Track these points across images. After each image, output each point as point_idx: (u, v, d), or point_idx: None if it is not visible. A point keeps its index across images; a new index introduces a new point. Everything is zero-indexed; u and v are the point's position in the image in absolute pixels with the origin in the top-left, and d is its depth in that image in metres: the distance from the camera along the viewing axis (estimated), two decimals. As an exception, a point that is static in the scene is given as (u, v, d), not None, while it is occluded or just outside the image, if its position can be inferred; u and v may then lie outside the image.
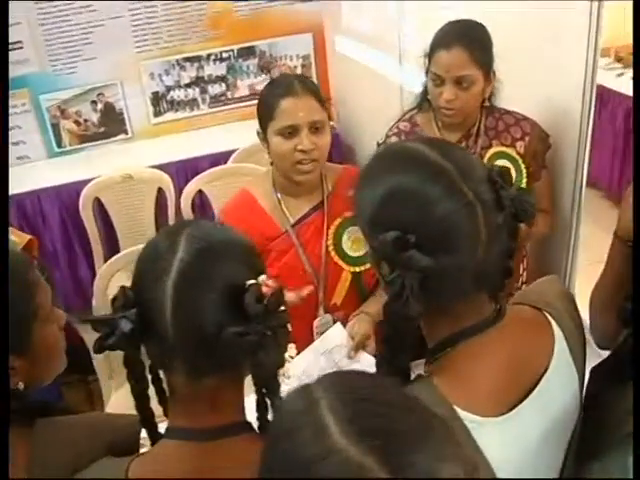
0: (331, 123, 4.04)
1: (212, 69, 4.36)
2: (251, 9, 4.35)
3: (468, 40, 1.97)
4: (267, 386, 1.02)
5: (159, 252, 0.97)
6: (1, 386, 1.01)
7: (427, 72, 2.07)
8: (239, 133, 4.16)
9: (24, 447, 1.07)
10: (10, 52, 4.09)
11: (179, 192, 3.51)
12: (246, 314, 0.92)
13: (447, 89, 1.99)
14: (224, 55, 4.36)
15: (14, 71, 4.15)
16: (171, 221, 3.51)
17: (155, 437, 1.09)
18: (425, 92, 2.15)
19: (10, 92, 4.14)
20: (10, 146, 4.23)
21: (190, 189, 3.34)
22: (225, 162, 3.75)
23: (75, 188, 3.81)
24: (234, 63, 4.38)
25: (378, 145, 2.18)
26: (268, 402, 1.04)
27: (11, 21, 4.03)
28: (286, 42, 4.44)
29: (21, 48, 4.14)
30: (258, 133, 1.93)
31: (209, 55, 4.34)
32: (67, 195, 3.81)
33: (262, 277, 0.97)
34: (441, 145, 1.07)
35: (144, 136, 4.35)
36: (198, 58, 4.32)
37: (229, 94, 4.43)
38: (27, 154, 4.29)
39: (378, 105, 3.57)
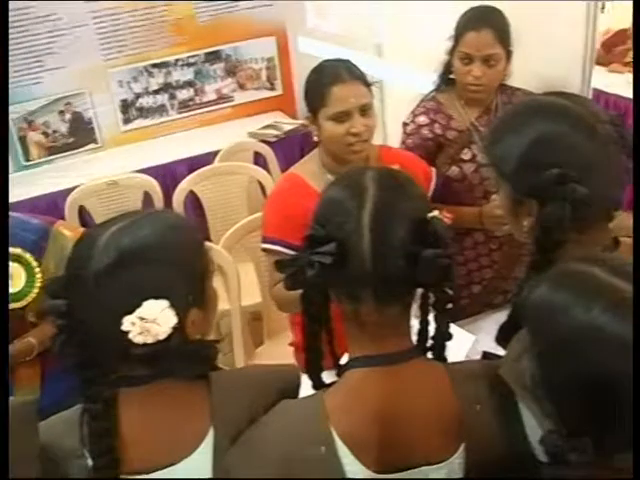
0: (300, 122, 4.17)
1: (180, 74, 4.39)
2: (212, 15, 4.40)
3: (494, 22, 2.14)
4: (444, 308, 1.11)
5: (347, 192, 1.06)
6: (1, 385, 1.05)
7: (451, 53, 2.20)
8: (210, 136, 4.24)
9: (204, 398, 1.12)
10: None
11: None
12: (433, 241, 1.01)
13: (476, 67, 2.13)
14: (191, 60, 4.39)
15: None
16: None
17: (318, 378, 1.16)
18: (445, 73, 2.28)
19: (-28, 106, 4.06)
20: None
21: (182, 189, 3.36)
22: (202, 165, 3.76)
23: (50, 199, 3.78)
24: (201, 68, 4.42)
25: (405, 125, 2.29)
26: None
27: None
28: (250, 46, 4.51)
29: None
30: (307, 117, 2.00)
31: (177, 60, 4.36)
32: (44, 207, 3.74)
33: (435, 212, 1.06)
34: (570, 96, 1.22)
35: (114, 144, 4.33)
36: (166, 64, 4.35)
37: (197, 99, 4.46)
38: (-7, 169, 4.20)
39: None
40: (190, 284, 1.09)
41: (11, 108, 4.10)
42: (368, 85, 1.96)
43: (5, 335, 1.02)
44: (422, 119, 2.27)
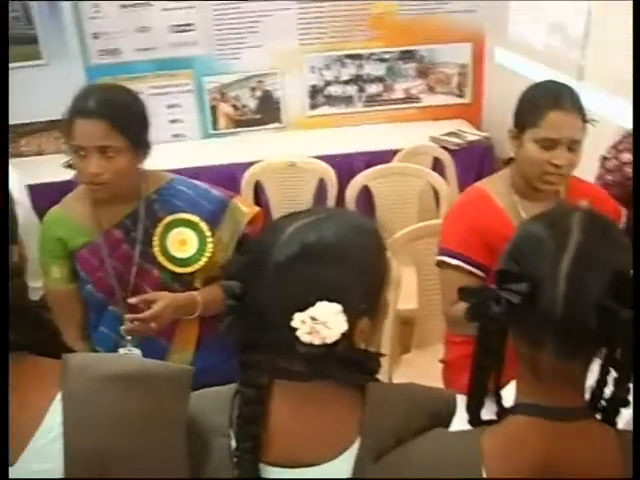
0: (483, 134, 4.08)
1: (372, 68, 4.41)
2: (413, 13, 4.38)
3: None
4: (628, 372, 1.03)
5: (550, 231, 1.01)
6: (1, 384, 1.04)
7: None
8: (392, 134, 4.22)
9: (356, 406, 1.10)
10: (180, 33, 4.24)
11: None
12: (631, 299, 0.94)
13: None
14: (385, 56, 4.40)
15: (181, 52, 4.30)
16: (330, 211, 3.56)
17: (476, 415, 1.11)
18: None
19: (175, 72, 4.30)
20: (168, 123, 4.38)
21: (356, 183, 3.38)
22: (380, 162, 3.77)
23: (229, 170, 3.91)
24: (393, 65, 4.42)
25: (605, 159, 2.18)
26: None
27: (185, 4, 4.18)
28: (445, 49, 4.45)
29: (191, 31, 4.27)
30: (510, 131, 1.94)
31: (370, 54, 4.39)
32: (223, 176, 3.88)
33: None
34: None
35: (297, 127, 4.44)
36: (360, 56, 4.38)
37: (385, 95, 4.47)
38: (183, 132, 4.43)
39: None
40: (367, 292, 1.08)
41: (209, 79, 4.32)
42: (585, 120, 1.88)
43: (5, 335, 1.04)
44: (627, 157, 2.15)
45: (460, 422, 1.13)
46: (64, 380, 1.02)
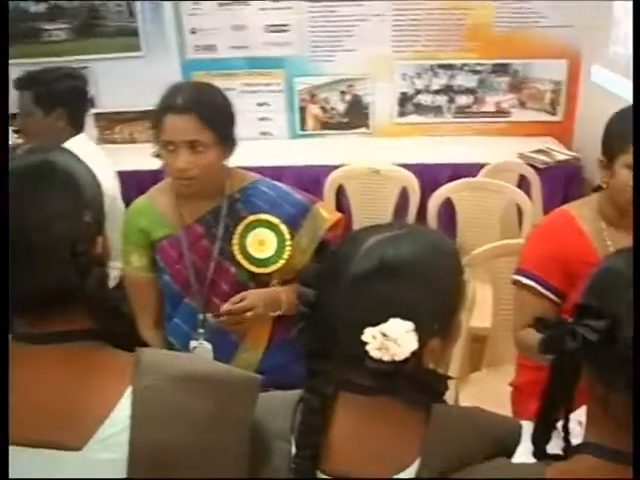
0: (573, 154, 3.98)
1: (463, 80, 4.36)
2: (510, 26, 4.30)
3: None
4: None
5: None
6: (1, 385, 1.03)
7: None
8: (479, 148, 4.16)
9: (419, 426, 1.08)
10: (275, 33, 4.29)
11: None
12: None
13: None
14: (478, 68, 4.34)
15: (275, 51, 4.35)
16: (410, 222, 3.54)
17: (542, 449, 1.08)
18: None
19: (267, 70, 4.35)
20: (256, 121, 4.44)
21: (439, 194, 3.35)
22: (465, 174, 3.72)
23: (313, 172, 3.93)
24: (486, 77, 4.36)
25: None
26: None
27: (284, 5, 4.23)
28: (540, 65, 4.35)
29: (286, 31, 4.32)
30: (600, 161, 1.88)
31: (463, 65, 4.34)
32: (306, 177, 3.91)
33: None
34: None
35: (384, 134, 4.42)
36: (452, 67, 4.34)
37: (475, 107, 4.41)
38: (270, 131, 4.48)
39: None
40: (440, 312, 1.07)
41: (300, 79, 4.37)
42: None
43: (5, 335, 1.06)
44: None
45: (524, 452, 1.10)
46: (136, 375, 1.05)
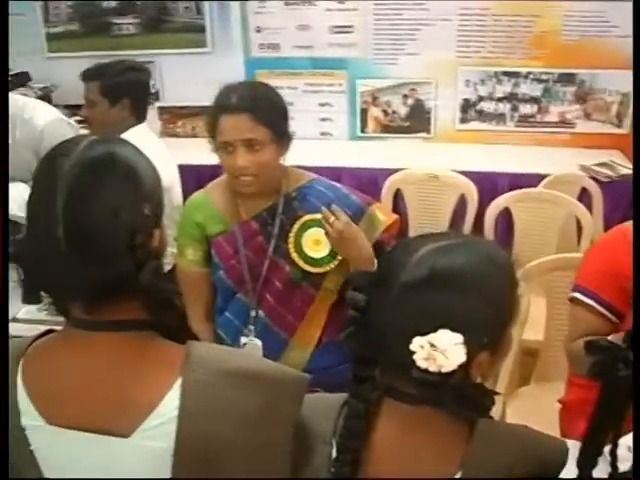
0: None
1: (528, 88, 4.29)
2: (578, 35, 4.21)
3: None
4: None
5: None
6: (2, 389, 1.02)
7: None
8: (540, 158, 4.09)
9: (461, 440, 1.07)
10: (339, 34, 4.30)
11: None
12: None
13: None
14: (543, 77, 4.27)
15: (338, 52, 4.36)
16: (466, 230, 3.51)
17: (588, 474, 1.06)
18: None
19: (330, 71, 4.36)
20: (317, 121, 4.45)
21: (498, 203, 3.31)
22: (525, 185, 3.66)
23: (372, 174, 3.92)
24: (551, 87, 4.28)
25: None
26: None
27: (349, 6, 4.24)
28: (607, 75, 4.25)
29: (350, 32, 4.32)
30: None
31: (528, 74, 4.27)
32: (365, 179, 3.91)
33: None
34: None
35: (445, 139, 4.39)
36: (517, 74, 4.28)
37: (539, 117, 4.34)
38: (331, 132, 4.49)
39: None
40: (491, 326, 1.05)
41: (362, 81, 4.37)
42: None
43: (5, 334, 1.06)
44: None
45: (568, 474, 1.08)
46: (186, 368, 1.07)
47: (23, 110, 2.84)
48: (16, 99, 2.87)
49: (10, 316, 2.46)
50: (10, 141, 2.67)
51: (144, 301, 1.09)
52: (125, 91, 2.76)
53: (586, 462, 1.05)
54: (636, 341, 0.75)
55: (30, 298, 1.10)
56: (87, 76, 2.78)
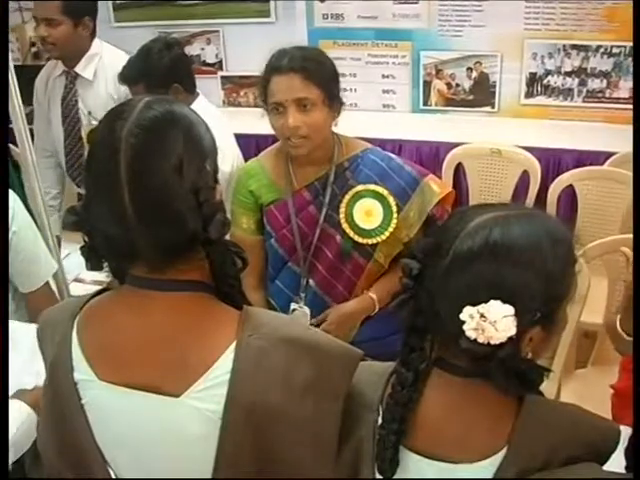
0: None
1: (597, 62, 4.13)
2: (654, 6, 4.04)
3: None
4: None
5: None
6: (2, 389, 0.99)
7: None
8: (608, 135, 3.94)
9: (511, 415, 1.05)
10: (404, 5, 4.21)
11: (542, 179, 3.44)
12: None
13: None
14: (614, 50, 4.10)
15: (403, 24, 4.27)
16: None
17: (636, 463, 1.01)
18: None
19: (394, 42, 4.29)
20: (380, 93, 4.39)
21: (561, 181, 3.23)
22: (591, 162, 3.56)
23: (433, 148, 3.86)
24: (622, 61, 4.12)
25: None
26: None
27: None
28: (685, 49, 4.08)
29: (415, 3, 4.23)
30: None
31: (598, 47, 4.11)
32: (426, 152, 3.86)
33: None
34: None
35: (509, 114, 4.26)
36: (586, 48, 4.11)
37: (608, 92, 4.18)
38: (393, 104, 4.42)
39: None
40: (545, 301, 1.02)
41: (426, 53, 4.28)
42: None
43: (5, 332, 1.04)
44: None
45: (617, 459, 1.04)
46: (241, 331, 1.06)
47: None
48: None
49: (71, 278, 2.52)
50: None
51: (210, 257, 1.08)
52: (173, 77, 2.54)
53: (634, 452, 1.01)
54: (636, 339, 0.71)
55: (95, 264, 1.11)
56: (129, 78, 2.55)
